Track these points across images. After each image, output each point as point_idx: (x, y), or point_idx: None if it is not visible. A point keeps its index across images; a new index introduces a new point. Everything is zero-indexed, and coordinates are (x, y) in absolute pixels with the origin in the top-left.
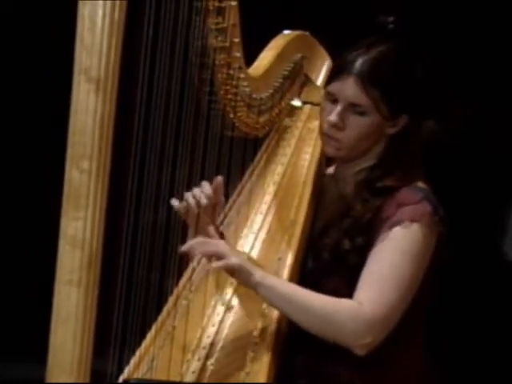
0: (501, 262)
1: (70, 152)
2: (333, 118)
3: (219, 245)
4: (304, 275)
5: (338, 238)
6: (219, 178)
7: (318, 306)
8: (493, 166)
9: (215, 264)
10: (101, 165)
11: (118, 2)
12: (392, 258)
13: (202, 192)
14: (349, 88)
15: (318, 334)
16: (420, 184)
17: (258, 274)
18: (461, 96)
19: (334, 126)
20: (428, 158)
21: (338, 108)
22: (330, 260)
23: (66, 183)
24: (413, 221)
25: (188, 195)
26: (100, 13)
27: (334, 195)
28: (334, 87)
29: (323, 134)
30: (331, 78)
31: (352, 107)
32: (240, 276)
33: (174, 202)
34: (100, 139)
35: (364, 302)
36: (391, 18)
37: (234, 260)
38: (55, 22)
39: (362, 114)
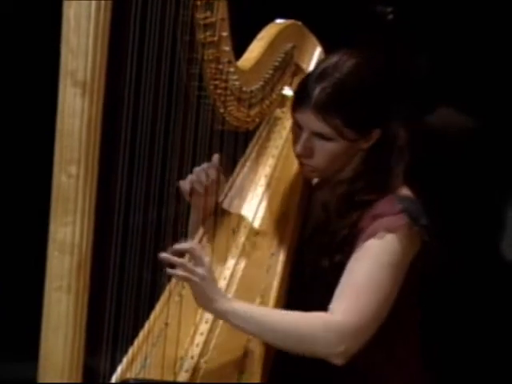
0: (501, 262)
1: (58, 156)
2: (298, 149)
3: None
4: (291, 290)
5: (317, 255)
6: (216, 156)
7: (290, 326)
8: (492, 166)
9: (178, 272)
10: (89, 168)
11: (103, 3)
12: (367, 268)
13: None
14: (309, 120)
15: (292, 351)
16: (404, 191)
17: (226, 301)
18: (461, 94)
19: (300, 155)
20: (428, 158)
21: (303, 137)
22: (312, 276)
23: (54, 188)
24: (388, 231)
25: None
26: (85, 14)
27: (319, 204)
28: (297, 117)
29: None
30: (293, 105)
31: (316, 135)
32: (203, 298)
33: (182, 184)
34: (87, 143)
35: (336, 311)
36: (390, 8)
37: (199, 273)
38: (42, 25)
39: (328, 139)
